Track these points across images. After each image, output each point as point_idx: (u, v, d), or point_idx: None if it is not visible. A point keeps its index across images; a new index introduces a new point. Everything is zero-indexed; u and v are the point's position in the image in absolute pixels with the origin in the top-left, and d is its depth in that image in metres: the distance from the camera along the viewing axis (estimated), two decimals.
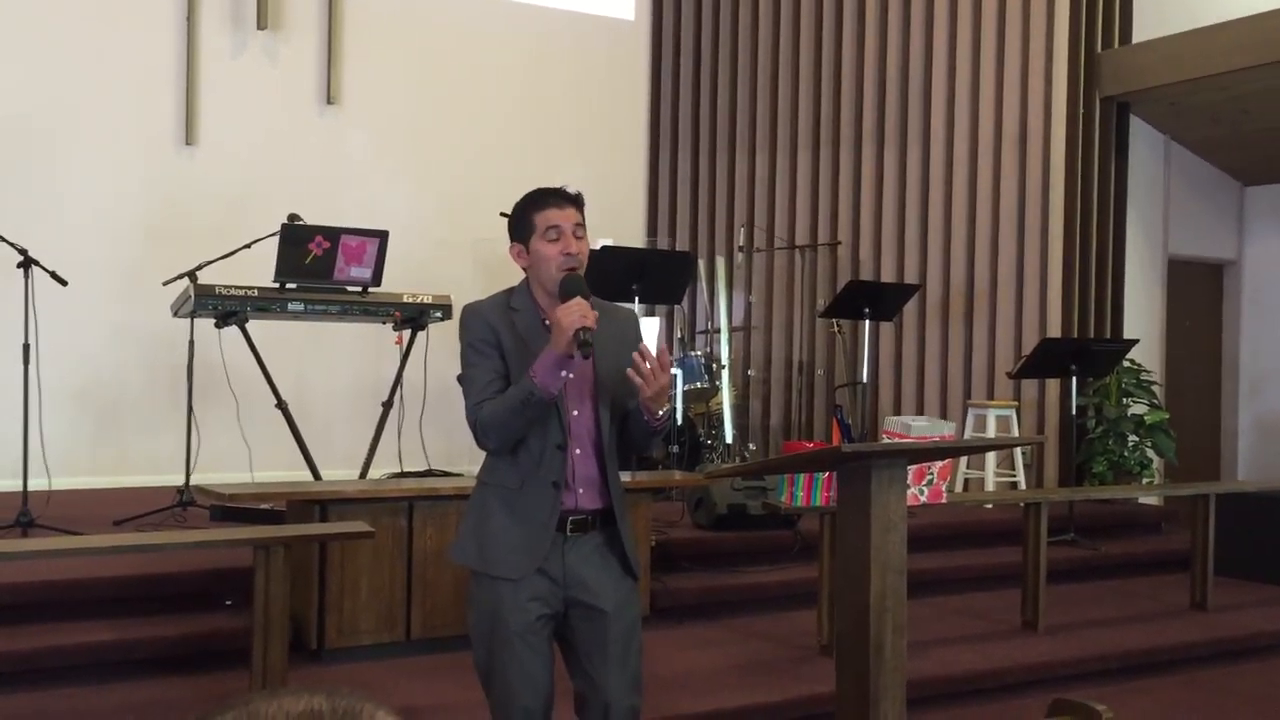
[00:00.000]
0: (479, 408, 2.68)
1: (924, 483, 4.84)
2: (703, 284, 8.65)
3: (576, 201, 2.77)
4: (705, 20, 9.37)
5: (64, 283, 5.36)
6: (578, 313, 2.57)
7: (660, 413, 2.73)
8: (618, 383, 2.73)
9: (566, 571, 2.71)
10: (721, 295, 8.41)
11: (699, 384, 7.58)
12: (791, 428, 8.73)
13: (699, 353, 7.83)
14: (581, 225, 2.75)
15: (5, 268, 5.35)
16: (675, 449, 6.96)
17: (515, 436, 2.68)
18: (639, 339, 2.82)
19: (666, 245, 9.23)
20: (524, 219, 2.75)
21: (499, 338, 2.70)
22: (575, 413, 2.74)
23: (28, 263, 5.33)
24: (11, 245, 5.32)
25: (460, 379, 2.76)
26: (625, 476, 5.61)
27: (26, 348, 5.28)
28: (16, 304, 5.29)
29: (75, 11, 7.33)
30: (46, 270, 5.35)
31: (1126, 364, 7.37)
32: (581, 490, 2.74)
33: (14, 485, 5.49)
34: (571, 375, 2.65)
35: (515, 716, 2.67)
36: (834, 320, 7.79)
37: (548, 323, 2.70)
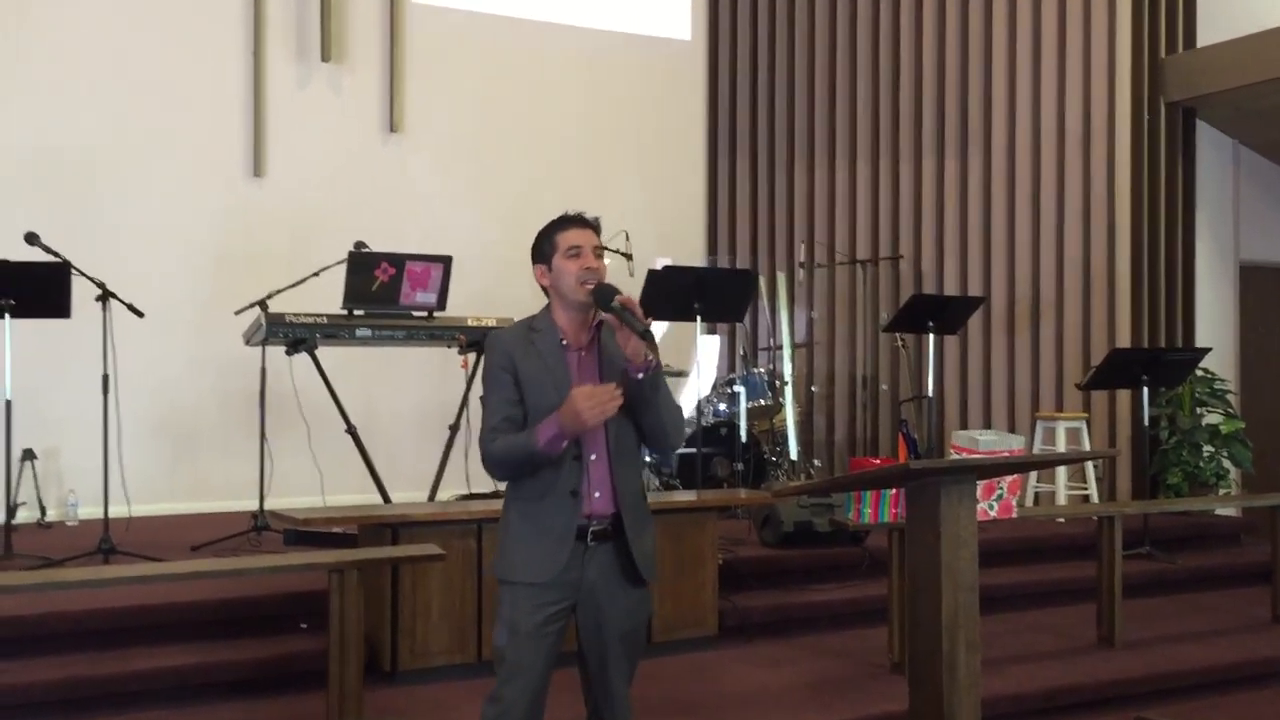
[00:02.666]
0: (491, 441, 2.87)
1: (994, 497, 4.80)
2: (764, 301, 8.64)
3: (595, 226, 2.99)
4: (761, 36, 9.39)
5: (140, 314, 5.51)
6: (598, 410, 2.73)
7: (643, 360, 2.81)
8: (627, 391, 2.84)
9: (584, 579, 2.87)
10: (783, 312, 8.39)
11: (762, 401, 7.57)
12: (856, 443, 8.68)
13: (762, 370, 7.82)
14: (601, 249, 2.95)
15: (84, 301, 5.50)
16: (740, 467, 6.95)
17: (517, 476, 2.89)
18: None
19: (726, 263, 9.24)
20: (547, 240, 2.96)
21: (515, 364, 2.88)
22: None
23: (106, 296, 5.49)
24: (90, 279, 5.48)
25: (481, 399, 2.99)
26: (688, 496, 5.63)
27: (106, 379, 5.43)
28: (95, 336, 5.45)
29: (145, 47, 7.53)
30: (123, 303, 5.50)
31: (1199, 373, 7.23)
32: (597, 494, 2.88)
33: (96, 513, 5.63)
34: (568, 444, 2.80)
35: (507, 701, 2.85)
36: (897, 334, 7.74)
37: (565, 342, 2.91)
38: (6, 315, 5.27)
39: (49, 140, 7.24)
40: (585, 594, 2.88)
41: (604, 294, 2.83)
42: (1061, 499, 7.21)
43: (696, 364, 7.34)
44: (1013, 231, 7.96)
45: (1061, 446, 7.16)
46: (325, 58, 8.02)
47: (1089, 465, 7.22)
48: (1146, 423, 6.91)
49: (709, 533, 5.13)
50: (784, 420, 7.77)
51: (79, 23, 7.37)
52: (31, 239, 5.48)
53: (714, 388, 7.82)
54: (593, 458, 2.87)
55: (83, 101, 7.36)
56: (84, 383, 5.88)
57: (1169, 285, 7.65)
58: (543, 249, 2.96)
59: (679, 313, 6.42)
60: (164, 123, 7.56)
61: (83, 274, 5.46)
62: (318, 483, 6.34)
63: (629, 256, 7.02)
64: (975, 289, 8.02)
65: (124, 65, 7.47)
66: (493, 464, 2.89)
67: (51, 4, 7.32)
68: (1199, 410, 7.33)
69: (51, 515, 6.83)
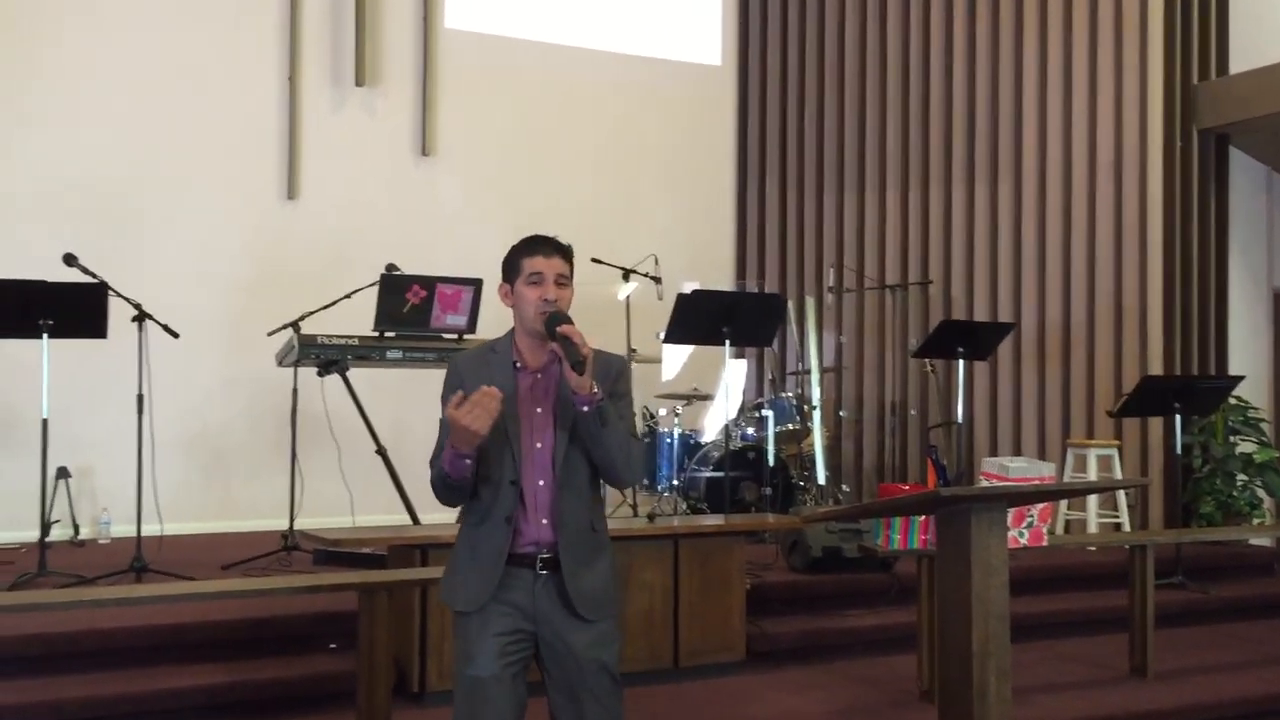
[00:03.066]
0: (430, 467, 2.84)
1: (1024, 525, 4.78)
2: (792, 325, 8.64)
3: (565, 252, 2.92)
4: (791, 62, 9.42)
5: (176, 335, 5.58)
6: (476, 412, 2.65)
7: (586, 391, 2.74)
8: (576, 423, 2.80)
9: (537, 610, 2.80)
10: (811, 336, 8.38)
11: (790, 425, 7.56)
12: (885, 469, 8.64)
13: (790, 394, 7.81)
14: (566, 276, 2.89)
15: (120, 322, 5.57)
16: (768, 491, 6.94)
17: (454, 501, 2.85)
18: (616, 382, 2.89)
19: (755, 287, 9.25)
20: (514, 262, 2.92)
21: (464, 385, 2.79)
22: (538, 445, 2.84)
23: (142, 316, 5.55)
24: (127, 300, 5.55)
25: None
26: (716, 520, 5.61)
27: (140, 398, 5.49)
28: (130, 356, 5.51)
29: (182, 73, 7.64)
30: (159, 323, 5.57)
31: (1232, 401, 7.17)
32: (544, 521, 2.81)
33: (128, 531, 5.68)
34: (471, 463, 2.74)
35: None
36: (927, 360, 7.72)
37: (519, 365, 2.88)
38: (45, 335, 5.34)
39: (88, 163, 7.35)
40: (542, 625, 2.80)
41: (552, 321, 2.79)
42: (1093, 527, 7.15)
43: (724, 387, 7.34)
44: (1044, 257, 7.93)
45: (1092, 474, 7.10)
46: (359, 82, 8.11)
47: (1121, 493, 7.16)
48: (1179, 451, 6.85)
49: (736, 557, 5.12)
50: (812, 445, 7.75)
51: (118, 48, 7.50)
52: (70, 260, 5.55)
53: (742, 411, 7.82)
54: (541, 483, 2.82)
55: (121, 125, 7.47)
56: (118, 402, 5.95)
57: (1201, 312, 7.60)
58: (509, 270, 2.93)
59: (708, 336, 6.43)
60: (200, 146, 7.66)
61: (120, 295, 5.53)
62: (347, 503, 6.38)
63: (658, 280, 7.05)
64: (1006, 315, 7.99)
65: (161, 89, 7.58)
66: (433, 488, 2.85)
67: (91, 30, 7.45)
68: (1232, 439, 7.26)
69: (84, 533, 6.91)
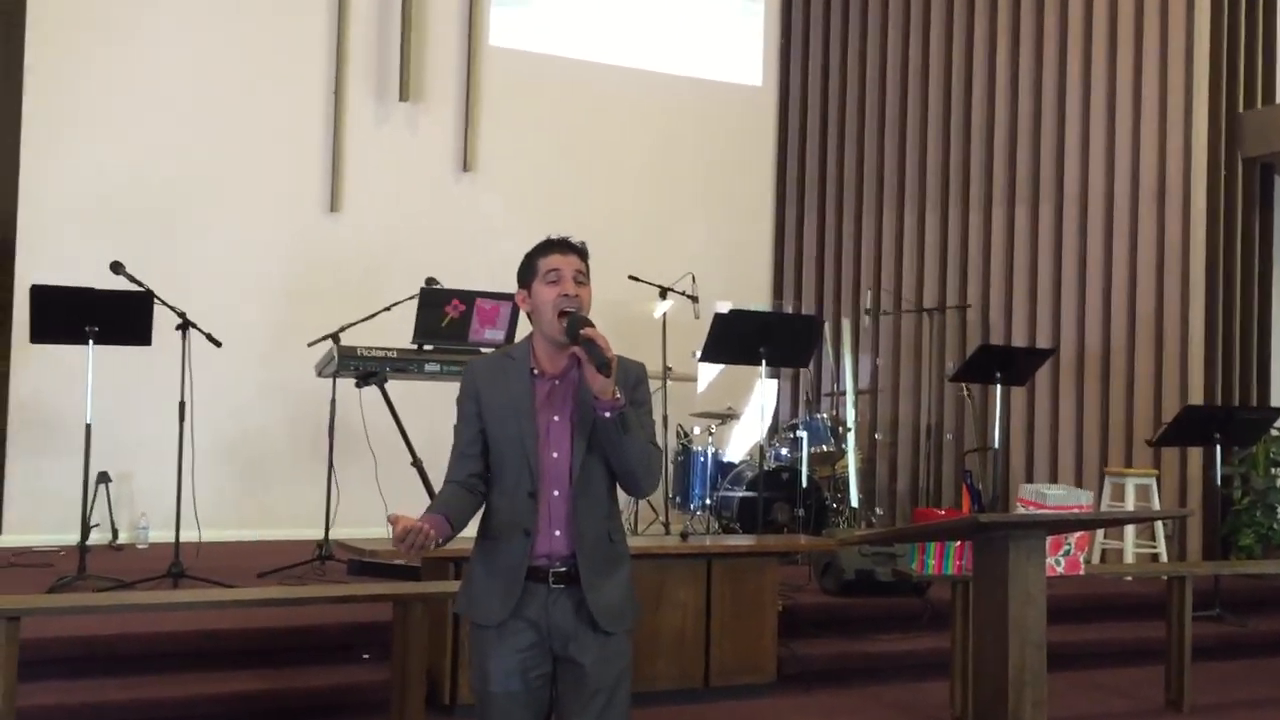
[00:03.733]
0: (445, 481, 2.85)
1: (1060, 553, 4.74)
2: (828, 346, 8.63)
3: (580, 250, 2.87)
4: (832, 82, 9.43)
5: (219, 344, 5.64)
6: (406, 552, 2.68)
7: (609, 397, 2.69)
8: (595, 429, 2.75)
9: (551, 624, 2.74)
10: (847, 358, 8.36)
11: (824, 447, 7.54)
12: (919, 493, 8.59)
13: (825, 415, 7.79)
14: (583, 273, 2.83)
15: (164, 330, 5.64)
16: (801, 512, 6.92)
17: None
18: (636, 389, 2.83)
19: (792, 308, 9.25)
20: (529, 265, 2.86)
21: (480, 393, 2.80)
22: (555, 455, 2.78)
23: (186, 325, 5.63)
24: (171, 308, 5.62)
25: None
26: (749, 540, 5.59)
27: (182, 405, 5.55)
28: (172, 364, 5.58)
29: (229, 84, 7.76)
30: (203, 332, 5.64)
31: (1274, 433, 7.09)
32: (557, 533, 2.75)
33: (166, 536, 5.75)
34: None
35: None
36: (963, 384, 7.68)
37: (535, 372, 2.80)
38: (91, 342, 5.42)
39: (136, 173, 7.47)
40: (555, 639, 2.74)
41: (574, 323, 2.72)
42: (1129, 556, 7.08)
43: (760, 407, 7.34)
44: (1084, 283, 7.88)
45: (1130, 503, 7.03)
46: (403, 97, 8.20)
47: (1158, 524, 7.09)
48: (1219, 482, 6.77)
49: (769, 578, 5.11)
50: (846, 467, 7.73)
51: (165, 59, 7.62)
52: (116, 268, 5.64)
53: (776, 432, 7.80)
54: (555, 494, 2.75)
55: (168, 136, 7.58)
56: (159, 409, 6.02)
57: (1244, 342, 7.52)
58: (524, 274, 2.86)
59: (744, 356, 6.44)
60: (245, 157, 7.77)
61: (164, 303, 5.61)
62: (382, 514, 6.39)
63: (694, 299, 7.06)
64: (1044, 340, 7.94)
65: (207, 101, 7.70)
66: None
67: (139, 42, 7.58)
68: (1274, 471, 7.17)
69: (123, 538, 6.99)
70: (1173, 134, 7.51)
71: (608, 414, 2.69)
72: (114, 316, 5.46)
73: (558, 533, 2.75)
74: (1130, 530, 7.10)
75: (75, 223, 7.27)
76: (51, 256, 7.01)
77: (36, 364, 6.92)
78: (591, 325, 2.72)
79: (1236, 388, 7.45)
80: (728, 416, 7.77)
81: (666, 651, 4.79)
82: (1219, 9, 7.46)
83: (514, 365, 2.83)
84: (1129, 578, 6.66)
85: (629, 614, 2.82)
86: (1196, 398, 7.21)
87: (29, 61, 7.35)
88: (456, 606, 2.92)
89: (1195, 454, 7.24)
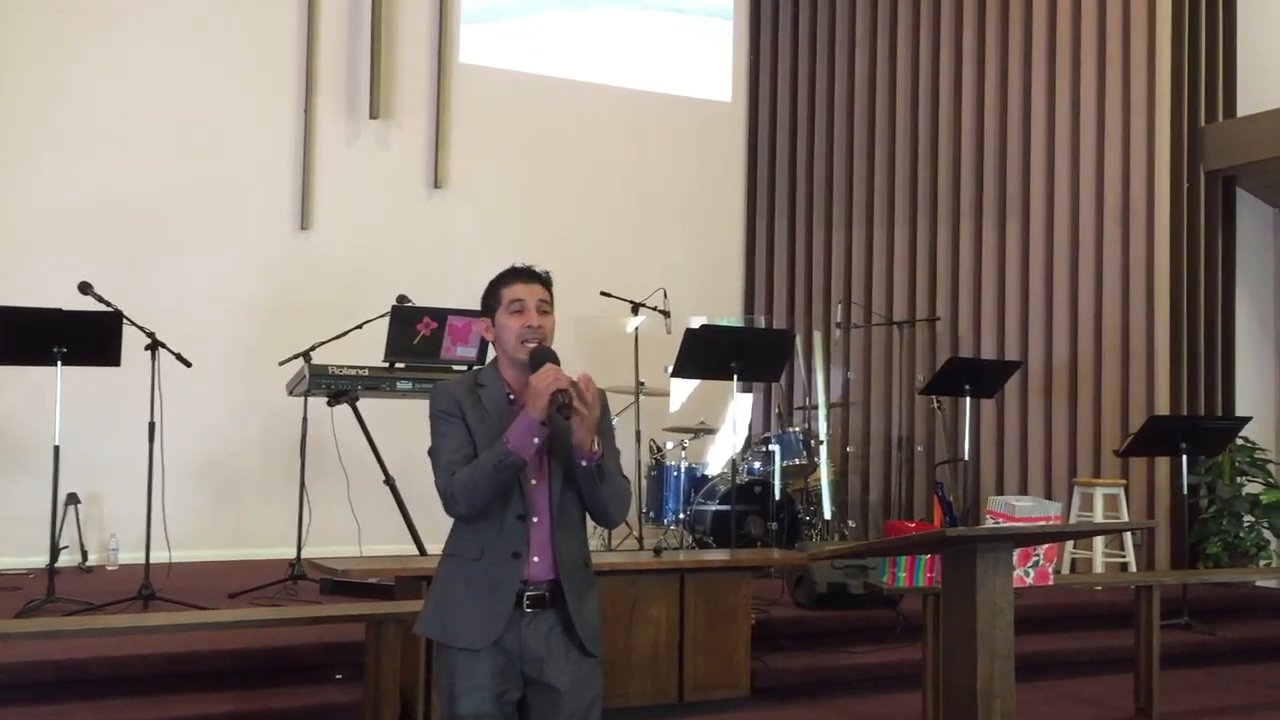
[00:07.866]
0: (451, 474, 2.74)
1: (1030, 564, 4.77)
2: (800, 360, 8.67)
3: (544, 280, 2.87)
4: (801, 98, 9.50)
5: (189, 364, 5.62)
6: (551, 377, 2.66)
7: (588, 449, 2.71)
8: (570, 455, 2.76)
9: (523, 648, 2.73)
10: (819, 371, 8.40)
11: (797, 460, 7.57)
12: (891, 505, 8.64)
13: (797, 429, 7.83)
14: (547, 303, 2.84)
15: (134, 350, 5.61)
16: (774, 526, 6.95)
17: (485, 503, 2.72)
18: (601, 417, 2.80)
19: (764, 322, 9.29)
20: (493, 294, 2.86)
21: (463, 411, 2.79)
22: (534, 482, 2.79)
23: (155, 345, 5.60)
24: (140, 329, 5.60)
25: (430, 451, 2.84)
26: (722, 555, 5.61)
27: (152, 426, 5.53)
28: (142, 384, 5.56)
29: (199, 103, 7.73)
30: (172, 352, 5.61)
31: (1240, 442, 7.18)
32: (536, 559, 2.76)
33: (136, 558, 5.71)
34: (539, 441, 2.70)
35: None
36: (934, 397, 7.74)
37: (512, 398, 2.80)
38: (59, 363, 5.38)
39: (104, 192, 7.42)
40: (528, 663, 2.73)
41: (540, 357, 2.73)
42: (1099, 566, 7.15)
43: (731, 421, 7.37)
44: (1051, 296, 7.97)
45: (1099, 513, 7.10)
46: (374, 115, 8.20)
47: (1127, 533, 7.16)
48: (1185, 491, 6.85)
49: (742, 592, 5.13)
50: (818, 480, 7.76)
51: (135, 79, 7.59)
52: (85, 288, 5.60)
53: (748, 445, 7.84)
54: (535, 520, 2.76)
55: (136, 155, 7.55)
56: (129, 430, 5.98)
57: (1208, 353, 7.61)
58: (488, 303, 2.87)
59: (716, 371, 6.47)
60: (215, 176, 7.74)
61: (133, 323, 5.58)
62: (355, 533, 6.40)
63: (666, 314, 7.09)
64: (1013, 353, 8.01)
65: (177, 120, 7.67)
66: (456, 494, 2.71)
67: (108, 60, 7.55)
68: (1239, 479, 7.26)
69: (93, 559, 6.93)
70: (1136, 148, 7.61)
71: (584, 463, 2.73)
72: (82, 337, 5.42)
73: (537, 559, 2.76)
74: (1099, 540, 7.18)
75: (45, 243, 7.23)
76: (22, 277, 6.95)
77: (4, 385, 6.86)
78: (554, 359, 2.73)
79: (1202, 398, 7.54)
80: (701, 431, 7.79)
81: (640, 667, 4.80)
82: (1180, 24, 7.56)
83: (488, 392, 2.83)
84: (1098, 587, 6.73)
85: (598, 638, 2.84)
86: (1163, 408, 7.30)
87: None
88: (423, 629, 2.88)
89: (1163, 464, 7.33)
